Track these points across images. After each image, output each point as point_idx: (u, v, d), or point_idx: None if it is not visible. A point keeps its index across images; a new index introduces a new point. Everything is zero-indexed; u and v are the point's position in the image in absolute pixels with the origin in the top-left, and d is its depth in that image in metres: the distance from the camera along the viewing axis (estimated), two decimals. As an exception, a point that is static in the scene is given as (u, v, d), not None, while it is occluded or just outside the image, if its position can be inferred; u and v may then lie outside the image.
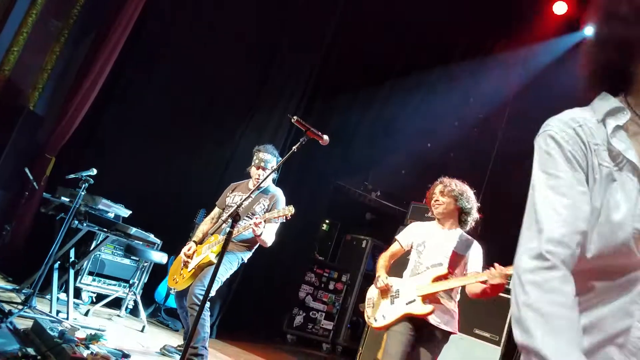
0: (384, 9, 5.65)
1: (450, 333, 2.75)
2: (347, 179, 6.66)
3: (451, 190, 2.86)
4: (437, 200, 2.88)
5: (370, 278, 6.07)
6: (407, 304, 2.73)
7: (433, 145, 6.64)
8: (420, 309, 2.68)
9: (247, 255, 3.48)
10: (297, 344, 5.62)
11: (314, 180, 5.63)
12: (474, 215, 2.91)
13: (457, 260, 2.79)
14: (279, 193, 3.60)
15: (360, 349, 4.95)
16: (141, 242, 4.20)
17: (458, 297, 2.86)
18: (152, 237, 4.20)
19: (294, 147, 2.77)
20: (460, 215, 2.88)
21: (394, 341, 2.69)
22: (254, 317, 5.08)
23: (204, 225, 3.60)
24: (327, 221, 6.83)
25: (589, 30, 5.54)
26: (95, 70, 4.40)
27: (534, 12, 5.71)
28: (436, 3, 5.52)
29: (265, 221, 3.27)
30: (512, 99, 6.05)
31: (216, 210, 3.68)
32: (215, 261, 3.07)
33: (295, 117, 2.78)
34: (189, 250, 3.41)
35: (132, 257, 4.54)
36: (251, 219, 3.35)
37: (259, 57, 5.52)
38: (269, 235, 3.36)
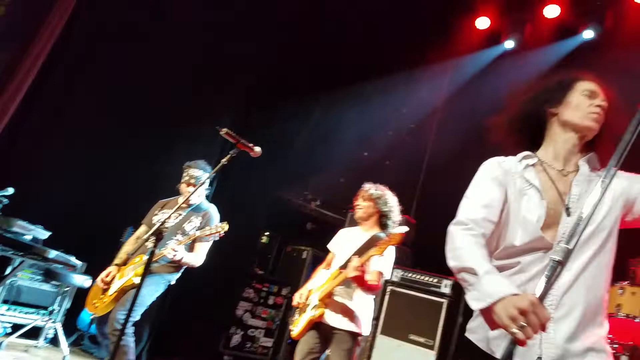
0: (318, 24, 5.70)
1: (353, 333, 2.76)
2: (287, 189, 6.60)
3: (370, 195, 2.99)
4: (357, 204, 3.03)
5: (311, 289, 6.07)
6: (311, 309, 2.81)
7: (370, 153, 6.77)
8: (314, 312, 2.77)
9: (174, 277, 3.33)
10: (235, 363, 5.45)
11: (252, 192, 5.53)
12: (394, 217, 3.01)
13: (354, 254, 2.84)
14: (212, 210, 3.49)
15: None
16: (61, 266, 3.93)
17: (367, 296, 2.85)
18: (73, 259, 3.95)
19: (223, 160, 2.70)
20: (380, 218, 3.00)
21: (296, 352, 2.82)
22: (188, 339, 4.87)
23: (128, 246, 3.41)
24: (267, 233, 6.71)
25: (508, 44, 5.88)
26: (15, 82, 4.10)
27: (459, 26, 5.99)
28: (368, 20, 5.66)
29: (195, 240, 3.17)
30: (440, 108, 6.29)
31: (142, 229, 3.50)
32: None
33: (224, 130, 2.71)
34: (107, 276, 3.20)
35: (52, 282, 4.23)
36: (181, 238, 3.22)
37: (191, 71, 5.36)
38: (197, 257, 3.25)
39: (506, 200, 1.54)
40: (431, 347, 4.23)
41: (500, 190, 1.55)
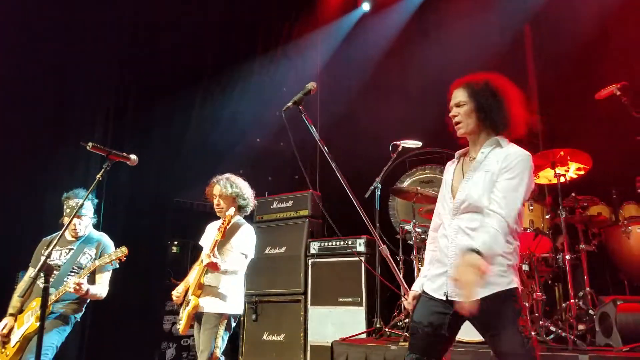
0: (176, 12, 5.48)
1: (219, 315, 2.88)
2: (185, 193, 6.38)
3: (214, 191, 3.08)
4: (215, 204, 3.09)
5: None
6: (188, 304, 2.90)
7: (262, 138, 6.76)
8: (189, 306, 2.87)
9: (79, 315, 3.18)
10: (176, 377, 5.29)
11: (148, 204, 5.26)
12: (245, 194, 3.11)
13: (220, 245, 2.96)
14: (104, 238, 3.34)
15: (241, 357, 4.87)
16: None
17: (233, 278, 2.97)
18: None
19: (97, 176, 2.53)
20: (234, 203, 3.08)
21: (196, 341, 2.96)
22: (120, 367, 4.61)
23: (18, 291, 3.13)
24: (175, 243, 6.47)
25: (365, 6, 6.17)
26: None
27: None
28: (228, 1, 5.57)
29: (95, 271, 3.05)
30: (318, 79, 6.45)
31: (30, 272, 3.23)
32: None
33: (90, 144, 2.54)
34: (3, 329, 2.95)
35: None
36: (78, 273, 3.04)
37: (47, 91, 4.87)
38: (101, 288, 3.12)
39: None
40: (359, 304, 4.45)
41: (440, 189, 2.10)
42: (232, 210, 3.01)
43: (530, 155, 1.88)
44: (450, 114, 2.00)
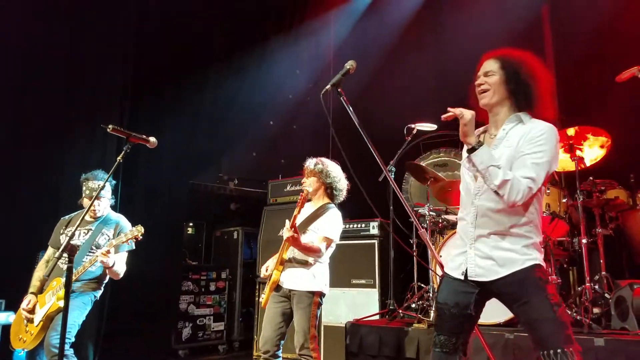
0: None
1: (308, 292, 2.91)
2: (200, 175, 6.44)
3: (312, 170, 3.13)
4: (303, 181, 3.18)
5: (250, 266, 6.08)
6: (270, 277, 2.99)
7: (275, 122, 6.76)
8: (272, 278, 2.95)
9: (98, 293, 3.24)
10: (191, 356, 5.40)
11: (164, 186, 5.31)
12: (340, 186, 3.15)
13: (305, 225, 3.05)
14: (122, 220, 3.38)
15: (256, 336, 4.96)
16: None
17: (316, 259, 2.99)
18: (-12, 300, 3.61)
19: (118, 158, 2.55)
20: (326, 190, 3.15)
21: (265, 316, 3.03)
22: (138, 345, 4.70)
23: (39, 271, 3.23)
24: (190, 224, 6.55)
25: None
26: None
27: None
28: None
29: (113, 250, 3.05)
30: (332, 61, 6.38)
31: (50, 252, 3.31)
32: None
33: (110, 126, 2.54)
34: (28, 304, 3.03)
35: (-29, 329, 3.87)
36: (95, 253, 3.09)
37: (61, 74, 4.90)
38: (120, 266, 3.15)
39: None
40: (373, 286, 4.49)
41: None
42: (314, 188, 3.10)
43: (555, 128, 1.85)
44: (477, 82, 1.95)
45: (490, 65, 1.93)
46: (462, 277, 1.89)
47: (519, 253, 1.81)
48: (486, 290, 1.87)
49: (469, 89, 2.02)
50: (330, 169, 3.13)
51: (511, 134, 1.89)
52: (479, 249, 1.86)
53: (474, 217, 1.90)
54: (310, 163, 3.16)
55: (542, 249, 1.91)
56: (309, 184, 3.12)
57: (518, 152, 1.82)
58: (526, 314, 1.77)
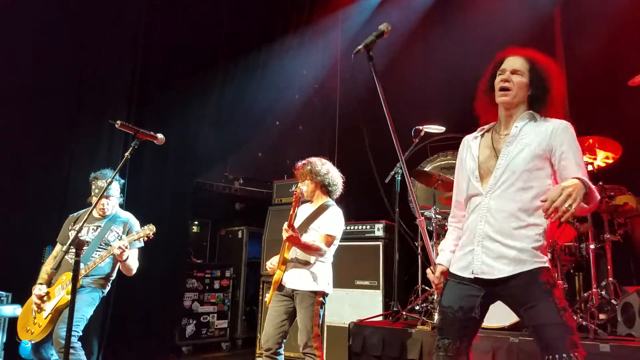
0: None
1: (311, 292, 2.91)
2: (205, 174, 6.45)
3: (301, 173, 3.13)
4: (299, 187, 3.11)
5: (254, 266, 6.08)
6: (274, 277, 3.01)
7: (281, 122, 6.76)
8: (275, 278, 2.97)
9: (106, 291, 3.28)
10: (194, 353, 5.42)
11: (169, 185, 5.32)
12: (334, 181, 3.14)
13: (307, 224, 3.05)
14: (131, 219, 3.42)
15: (259, 334, 4.95)
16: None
17: (325, 255, 3.00)
18: (-4, 292, 3.65)
19: (126, 154, 2.58)
20: (321, 189, 3.14)
21: (267, 314, 3.02)
22: (142, 340, 4.73)
23: (47, 265, 3.24)
24: (195, 223, 6.57)
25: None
26: None
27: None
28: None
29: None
30: (339, 62, 6.38)
31: (58, 248, 3.33)
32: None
33: (118, 122, 2.56)
34: (39, 291, 3.05)
35: (-20, 321, 3.92)
36: (105, 249, 3.12)
37: (70, 73, 4.93)
38: (133, 261, 3.19)
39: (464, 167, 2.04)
40: (377, 287, 4.48)
41: (461, 164, 2.06)
42: (310, 190, 3.11)
43: (569, 123, 1.87)
44: (502, 77, 1.91)
45: (520, 64, 1.91)
46: (471, 277, 1.87)
47: (528, 254, 1.80)
48: (491, 292, 1.85)
49: (479, 84, 2.03)
50: (318, 167, 3.11)
51: (525, 131, 1.89)
52: (488, 247, 1.85)
53: (483, 215, 1.88)
54: (299, 168, 3.17)
55: (549, 253, 1.91)
56: (305, 188, 3.13)
57: (549, 149, 1.82)
58: (532, 317, 1.75)
